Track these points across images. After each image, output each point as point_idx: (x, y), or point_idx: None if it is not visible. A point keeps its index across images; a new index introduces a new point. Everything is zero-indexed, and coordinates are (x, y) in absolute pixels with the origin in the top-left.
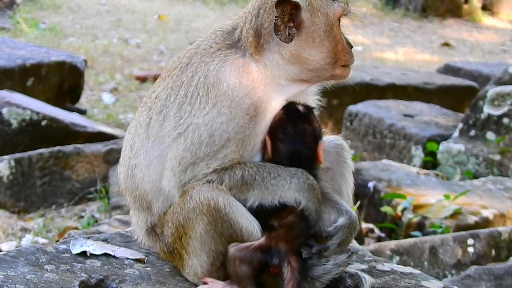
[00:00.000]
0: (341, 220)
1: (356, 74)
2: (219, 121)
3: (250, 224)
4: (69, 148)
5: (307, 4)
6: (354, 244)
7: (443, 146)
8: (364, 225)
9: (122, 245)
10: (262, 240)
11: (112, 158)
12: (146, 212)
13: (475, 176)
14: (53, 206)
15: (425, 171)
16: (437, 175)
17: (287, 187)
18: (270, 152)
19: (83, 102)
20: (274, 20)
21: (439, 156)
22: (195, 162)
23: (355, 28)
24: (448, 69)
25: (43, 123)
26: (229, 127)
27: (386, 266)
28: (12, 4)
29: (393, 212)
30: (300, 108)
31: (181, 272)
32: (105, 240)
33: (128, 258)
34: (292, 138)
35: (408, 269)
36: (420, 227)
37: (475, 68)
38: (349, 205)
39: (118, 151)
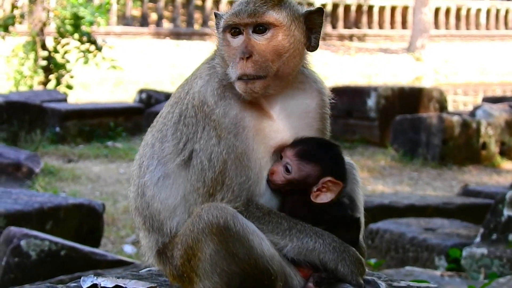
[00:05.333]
0: None
1: (373, 199)
2: (211, 144)
3: (263, 242)
4: (89, 273)
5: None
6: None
7: (466, 251)
8: None
9: (134, 279)
10: None
11: None
12: (156, 233)
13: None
14: None
15: (449, 273)
16: (461, 275)
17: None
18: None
19: None
20: None
21: (463, 262)
22: (209, 193)
23: (375, 179)
24: (468, 193)
25: (62, 253)
26: (220, 148)
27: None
28: (31, 174)
29: None
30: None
31: None
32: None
33: None
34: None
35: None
36: None
37: (495, 191)
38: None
39: None
